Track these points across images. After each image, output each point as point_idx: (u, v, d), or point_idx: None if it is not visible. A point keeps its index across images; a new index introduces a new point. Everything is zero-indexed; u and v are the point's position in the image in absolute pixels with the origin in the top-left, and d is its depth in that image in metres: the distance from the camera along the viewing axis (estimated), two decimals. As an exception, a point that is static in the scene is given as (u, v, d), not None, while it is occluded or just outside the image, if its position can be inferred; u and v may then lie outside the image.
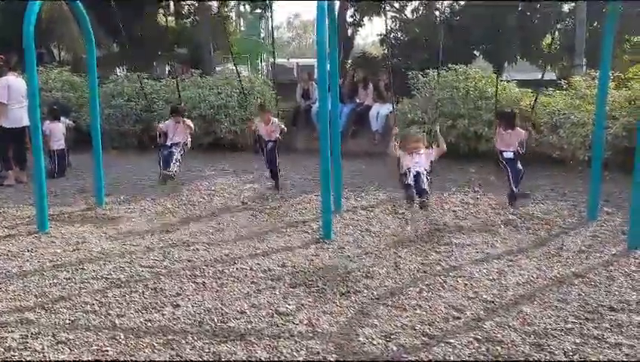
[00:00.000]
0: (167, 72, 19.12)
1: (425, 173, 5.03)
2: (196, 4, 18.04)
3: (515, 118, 5.80)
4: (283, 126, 6.90)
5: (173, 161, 6.21)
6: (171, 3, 18.90)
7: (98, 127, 6.63)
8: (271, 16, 6.64)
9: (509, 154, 5.64)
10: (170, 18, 19.04)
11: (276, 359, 3.15)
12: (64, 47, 16.87)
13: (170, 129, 6.51)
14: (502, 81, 9.37)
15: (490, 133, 8.53)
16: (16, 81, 7.55)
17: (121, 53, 17.16)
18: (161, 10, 17.58)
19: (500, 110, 6.51)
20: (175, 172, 6.25)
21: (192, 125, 6.63)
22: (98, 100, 6.73)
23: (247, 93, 10.16)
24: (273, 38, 6.66)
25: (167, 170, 6.17)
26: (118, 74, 13.46)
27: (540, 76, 6.79)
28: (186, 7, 19.69)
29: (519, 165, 5.66)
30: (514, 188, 5.67)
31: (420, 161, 5.06)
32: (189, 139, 6.56)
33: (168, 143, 6.40)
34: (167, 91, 10.67)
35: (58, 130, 8.53)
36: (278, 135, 6.87)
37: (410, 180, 4.90)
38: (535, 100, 6.58)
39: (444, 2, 15.31)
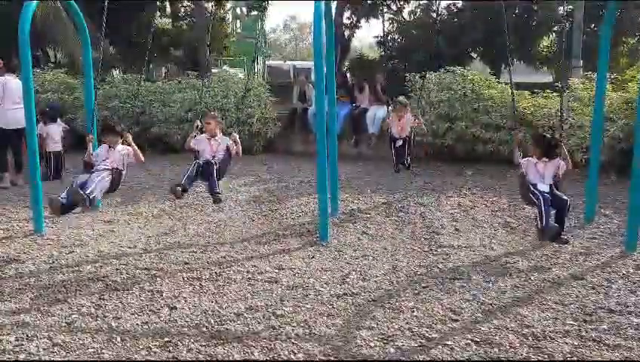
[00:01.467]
0: (163, 74, 19.12)
1: (407, 139, 6.09)
2: (192, 6, 18.04)
3: (557, 147, 4.73)
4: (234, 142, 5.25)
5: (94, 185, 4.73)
6: (167, 5, 18.90)
7: (95, 128, 6.60)
8: (262, 19, 6.58)
9: (544, 187, 4.60)
10: (166, 20, 19.05)
11: (273, 361, 3.13)
12: (60, 48, 16.84)
13: (102, 154, 5.04)
14: (499, 83, 9.39)
15: (488, 135, 8.58)
16: (12, 82, 7.52)
17: (117, 55, 17.17)
18: (157, 13, 17.57)
19: (536, 134, 5.36)
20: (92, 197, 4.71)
21: (138, 153, 5.11)
22: (94, 102, 6.70)
23: (244, 95, 10.16)
24: (265, 40, 6.62)
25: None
26: (114, 76, 13.42)
27: (536, 78, 6.75)
28: (183, 9, 19.71)
29: (563, 196, 4.63)
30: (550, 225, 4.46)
31: (403, 130, 6.06)
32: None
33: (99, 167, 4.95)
34: (162, 93, 10.65)
35: (54, 132, 8.49)
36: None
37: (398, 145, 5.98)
38: (561, 119, 5.55)
39: (441, 4, 15.35)
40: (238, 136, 5.27)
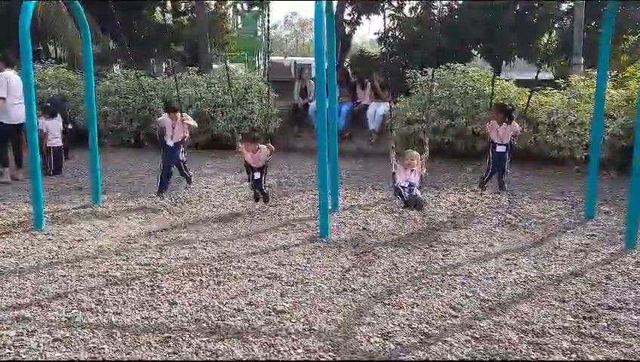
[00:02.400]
0: (164, 70, 19.09)
1: (417, 185, 5.47)
2: (193, 2, 18.00)
3: (511, 113, 6.00)
4: (269, 150, 5.93)
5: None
6: (168, 1, 18.87)
7: (95, 125, 6.61)
8: (267, 15, 6.58)
9: (501, 148, 5.97)
10: (167, 15, 19.01)
11: (273, 357, 3.14)
12: (60, 44, 16.82)
13: (168, 126, 6.52)
14: (500, 80, 9.38)
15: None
16: (14, 78, 7.51)
17: (117, 50, 17.13)
18: (158, 8, 17.54)
19: (497, 103, 6.54)
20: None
21: (192, 122, 6.66)
22: (94, 98, 6.70)
23: (245, 92, 10.17)
24: (269, 36, 6.57)
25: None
26: (115, 71, 13.42)
27: (540, 75, 6.74)
28: (183, 4, 19.67)
29: (506, 163, 6.05)
30: (485, 179, 6.30)
31: (412, 177, 5.46)
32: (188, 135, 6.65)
33: (170, 143, 6.53)
34: (163, 89, 10.65)
35: (54, 127, 8.49)
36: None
37: (406, 193, 5.34)
38: (529, 97, 6.55)
39: (442, 1, 15.31)
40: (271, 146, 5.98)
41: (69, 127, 9.30)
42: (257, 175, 6.04)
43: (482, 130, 6.29)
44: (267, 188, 6.30)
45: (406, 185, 5.37)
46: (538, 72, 6.54)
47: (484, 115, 7.86)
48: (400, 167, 5.49)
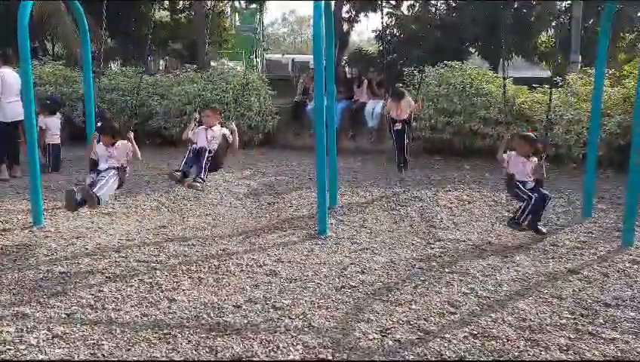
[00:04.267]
0: (164, 67, 19.06)
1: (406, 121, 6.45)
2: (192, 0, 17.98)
3: (537, 144, 5.08)
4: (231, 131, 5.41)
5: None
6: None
7: (93, 122, 6.60)
8: (260, 12, 6.58)
9: (530, 185, 4.97)
10: (164, 13, 18.98)
11: (272, 353, 3.15)
12: (58, 41, 16.79)
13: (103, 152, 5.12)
14: (497, 77, 9.40)
15: (487, 130, 8.60)
16: (11, 75, 7.49)
17: (115, 47, 17.11)
18: (156, 6, 17.48)
19: (522, 134, 5.32)
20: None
21: (136, 151, 5.17)
22: (93, 95, 6.69)
23: (243, 89, 10.15)
24: (263, 34, 6.59)
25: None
26: (113, 68, 13.40)
27: (536, 74, 6.78)
28: (181, 2, 19.63)
29: (542, 192, 4.97)
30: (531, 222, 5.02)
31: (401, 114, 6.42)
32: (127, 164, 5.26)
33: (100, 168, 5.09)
34: (162, 86, 10.64)
35: (53, 125, 8.48)
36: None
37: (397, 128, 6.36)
38: (547, 118, 5.79)
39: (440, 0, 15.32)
40: (235, 127, 5.40)
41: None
42: (197, 147, 5.15)
43: (498, 161, 5.17)
44: (202, 179, 5.21)
45: (397, 119, 6.49)
46: (552, 80, 5.83)
47: (484, 114, 7.95)
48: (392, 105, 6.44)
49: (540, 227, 5.08)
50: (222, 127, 5.49)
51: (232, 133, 5.38)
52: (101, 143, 5.14)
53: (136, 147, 5.19)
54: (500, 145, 5.19)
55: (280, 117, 10.49)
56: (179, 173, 5.15)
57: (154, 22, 17.33)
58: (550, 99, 5.22)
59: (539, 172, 4.91)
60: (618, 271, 4.35)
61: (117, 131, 5.21)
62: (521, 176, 4.97)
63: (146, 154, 9.32)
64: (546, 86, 8.83)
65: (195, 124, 5.43)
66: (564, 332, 3.38)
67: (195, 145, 5.29)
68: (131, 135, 5.19)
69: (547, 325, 3.46)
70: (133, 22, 16.80)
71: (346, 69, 12.73)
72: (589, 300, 3.82)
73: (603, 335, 3.34)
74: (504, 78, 5.91)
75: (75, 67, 11.45)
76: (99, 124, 5.77)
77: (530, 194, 4.89)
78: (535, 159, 4.98)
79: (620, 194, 6.43)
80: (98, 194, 4.77)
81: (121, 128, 5.31)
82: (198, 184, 5.20)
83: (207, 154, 5.21)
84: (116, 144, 5.14)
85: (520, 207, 4.99)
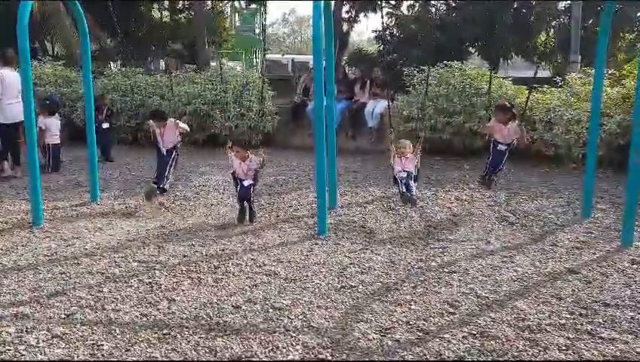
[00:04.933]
0: (165, 67, 19.05)
1: (412, 174, 5.71)
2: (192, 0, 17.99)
3: (512, 111, 5.96)
4: (262, 159, 5.77)
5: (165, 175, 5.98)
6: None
7: (93, 122, 6.61)
8: (264, 12, 6.63)
9: (502, 147, 5.93)
10: (164, 13, 18.98)
11: (271, 354, 3.15)
12: (57, 41, 16.80)
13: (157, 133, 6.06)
14: (497, 77, 9.40)
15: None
16: (11, 75, 7.48)
17: (115, 47, 17.10)
18: (155, 6, 17.52)
19: (498, 105, 6.37)
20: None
21: (185, 126, 6.15)
22: (93, 95, 6.70)
23: (242, 89, 10.16)
24: (265, 33, 6.59)
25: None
26: (113, 68, 13.40)
27: (540, 73, 6.85)
28: (181, 2, 19.64)
29: (504, 160, 6.03)
30: (489, 174, 6.15)
31: (406, 165, 5.72)
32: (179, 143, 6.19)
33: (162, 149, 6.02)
34: (161, 86, 10.64)
35: (53, 125, 8.49)
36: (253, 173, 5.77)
37: (402, 187, 5.59)
38: (528, 98, 6.66)
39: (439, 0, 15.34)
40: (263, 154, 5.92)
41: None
42: (246, 183, 5.66)
43: (482, 131, 6.29)
44: (254, 204, 5.84)
45: (404, 175, 5.61)
46: (536, 72, 6.77)
47: (484, 115, 7.96)
48: (395, 157, 5.77)
49: (493, 178, 6.18)
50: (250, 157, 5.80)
51: (261, 164, 5.82)
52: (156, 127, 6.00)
53: (180, 123, 6.09)
54: (484, 121, 6.31)
55: (280, 117, 10.49)
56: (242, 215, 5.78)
57: (153, 22, 17.40)
58: (527, 96, 6.53)
59: (518, 132, 5.80)
60: (617, 271, 4.36)
61: (163, 114, 6.17)
62: (500, 137, 5.93)
63: (145, 154, 9.36)
64: (546, 86, 8.84)
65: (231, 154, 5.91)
66: (564, 332, 3.39)
67: (242, 182, 5.78)
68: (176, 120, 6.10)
69: (546, 325, 3.46)
70: (133, 22, 16.81)
71: (347, 69, 12.67)
72: (589, 300, 3.83)
73: (602, 335, 3.34)
74: (493, 77, 6.40)
75: (75, 67, 11.45)
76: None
77: (492, 153, 6.01)
78: (514, 124, 5.81)
79: (619, 194, 6.43)
80: (167, 184, 6.03)
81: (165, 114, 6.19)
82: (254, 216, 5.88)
83: (252, 187, 5.78)
84: (167, 125, 6.00)
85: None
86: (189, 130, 6.31)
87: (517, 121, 5.85)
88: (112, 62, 16.79)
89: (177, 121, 6.12)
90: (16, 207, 6.21)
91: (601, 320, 3.52)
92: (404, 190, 5.53)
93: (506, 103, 6.21)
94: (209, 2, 18.65)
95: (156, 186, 5.95)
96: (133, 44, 16.83)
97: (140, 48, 17.00)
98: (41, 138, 7.95)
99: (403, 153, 5.75)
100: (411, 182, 5.62)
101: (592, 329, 3.41)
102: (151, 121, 6.14)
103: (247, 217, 5.75)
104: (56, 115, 8.70)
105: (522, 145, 6.10)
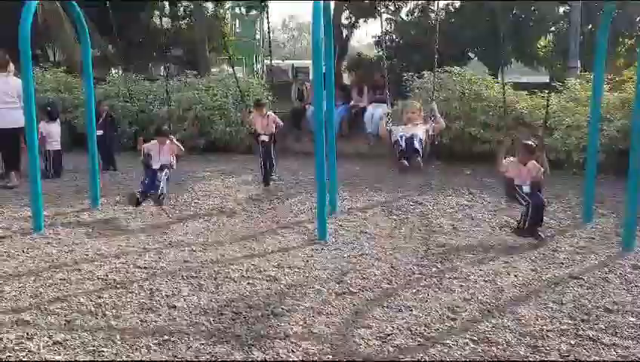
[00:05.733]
0: (165, 73, 19.08)
1: (419, 138, 4.79)
2: (192, 6, 18.02)
3: (536, 151, 5.12)
4: (279, 121, 7.12)
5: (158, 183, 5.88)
6: (166, 4, 18.87)
7: (94, 128, 6.62)
8: (267, 18, 6.66)
9: (527, 188, 5.05)
10: (165, 19, 19.03)
11: (272, 360, 3.15)
12: (59, 48, 16.83)
13: (155, 150, 6.10)
14: (497, 82, 9.42)
15: (486, 135, 8.61)
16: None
17: (116, 54, 17.12)
18: (156, 12, 17.55)
19: (524, 143, 5.25)
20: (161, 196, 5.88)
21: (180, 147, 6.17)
22: (94, 101, 6.72)
23: (244, 95, 10.17)
24: (270, 40, 6.67)
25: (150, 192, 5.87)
26: (114, 75, 13.43)
27: (536, 78, 6.79)
28: (182, 8, 19.68)
29: (540, 196, 5.06)
30: (530, 223, 5.03)
31: (415, 132, 4.84)
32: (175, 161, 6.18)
33: (154, 166, 6.01)
34: (163, 93, 10.64)
35: (54, 131, 8.50)
36: (274, 130, 7.07)
37: (402, 143, 4.68)
38: (547, 110, 6.29)
39: (439, 4, 15.36)
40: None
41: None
42: (266, 138, 6.81)
43: (497, 170, 5.23)
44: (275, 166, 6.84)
45: (404, 138, 4.77)
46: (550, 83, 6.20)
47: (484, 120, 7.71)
48: (398, 125, 4.93)
49: (539, 233, 5.14)
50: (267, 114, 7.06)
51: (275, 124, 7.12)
52: (155, 143, 6.06)
53: (179, 144, 6.16)
54: (499, 153, 5.33)
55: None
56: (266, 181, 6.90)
57: (154, 28, 17.43)
58: (546, 107, 5.51)
59: (542, 169, 5.05)
60: (619, 276, 4.35)
61: (166, 133, 6.16)
62: (519, 180, 5.11)
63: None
64: (545, 91, 8.85)
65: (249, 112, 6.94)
66: (565, 337, 3.38)
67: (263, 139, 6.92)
68: (174, 138, 6.19)
69: (548, 331, 3.46)
70: (134, 28, 16.83)
71: (346, 74, 12.64)
72: (590, 305, 3.82)
73: (604, 341, 3.33)
74: (503, 85, 5.91)
75: (77, 74, 11.47)
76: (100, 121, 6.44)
77: (527, 198, 5.00)
78: (533, 162, 5.09)
79: (620, 198, 6.43)
80: (162, 196, 5.86)
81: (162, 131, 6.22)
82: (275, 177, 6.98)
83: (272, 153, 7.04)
84: (165, 144, 6.05)
85: (521, 213, 5.11)
86: (182, 151, 6.23)
87: (536, 161, 5.05)
88: (112, 69, 16.81)
89: (175, 141, 6.17)
90: (18, 213, 6.21)
91: (602, 326, 3.52)
92: (405, 147, 4.62)
93: (531, 143, 5.18)
94: (210, 8, 18.70)
95: (140, 192, 5.83)
96: (134, 50, 16.87)
97: (140, 54, 17.03)
98: (42, 144, 7.95)
99: (411, 120, 4.89)
100: (415, 142, 4.71)
101: (593, 335, 3.40)
102: (142, 140, 6.27)
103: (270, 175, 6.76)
104: (57, 121, 8.70)
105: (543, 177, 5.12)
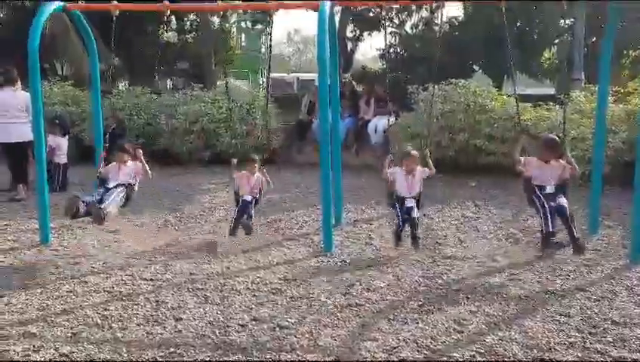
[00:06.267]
0: (172, 86, 19.24)
1: (415, 204, 5.03)
2: (198, 20, 18.21)
3: (560, 148, 4.74)
4: (267, 181, 5.55)
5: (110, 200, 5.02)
6: (173, 18, 19.08)
7: (101, 141, 6.67)
8: (270, 34, 6.73)
9: (550, 189, 4.62)
10: (172, 33, 19.24)
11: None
12: (67, 62, 17.00)
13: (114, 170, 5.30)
14: (501, 95, 9.44)
15: (491, 147, 8.61)
16: (2, 95, 7.49)
17: (123, 67, 17.31)
18: (163, 26, 17.76)
19: (546, 137, 5.05)
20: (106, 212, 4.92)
21: (146, 169, 5.34)
22: (101, 114, 6.77)
23: (249, 108, 10.24)
24: (270, 52, 6.64)
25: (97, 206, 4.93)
26: (120, 88, 13.55)
27: (540, 90, 6.77)
28: (188, 22, 19.90)
29: (564, 200, 4.53)
30: (552, 233, 4.57)
31: (413, 186, 5.05)
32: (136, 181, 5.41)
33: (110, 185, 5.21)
34: (169, 106, 10.72)
35: (62, 144, 8.56)
36: (258, 193, 5.57)
37: (403, 213, 5.00)
38: (564, 119, 5.67)
39: (443, 17, 15.48)
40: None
41: None
42: (248, 198, 5.39)
43: (517, 167, 4.79)
44: (252, 221, 5.46)
45: (408, 197, 4.95)
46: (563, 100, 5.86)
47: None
48: (400, 172, 5.01)
49: (577, 239, 4.54)
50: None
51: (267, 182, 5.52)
52: (113, 164, 5.32)
53: (146, 165, 5.35)
54: (515, 145, 4.97)
55: (285, 134, 10.55)
56: (233, 230, 5.39)
57: (162, 42, 17.62)
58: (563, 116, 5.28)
59: (570, 167, 4.63)
60: (626, 289, 4.33)
61: (126, 150, 5.37)
62: (540, 179, 4.65)
63: (153, 172, 9.40)
64: (550, 103, 8.86)
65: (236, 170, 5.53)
66: (572, 350, 3.36)
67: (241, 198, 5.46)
68: (140, 153, 5.36)
69: (555, 343, 3.44)
70: (141, 42, 17.02)
71: (354, 84, 12.55)
72: (597, 318, 3.80)
73: (612, 354, 3.31)
74: (516, 98, 5.71)
75: (85, 87, 11.56)
76: (106, 145, 6.00)
77: (544, 203, 4.51)
78: (560, 161, 4.65)
79: (626, 210, 6.40)
80: (106, 210, 4.90)
81: (130, 147, 5.49)
82: (250, 223, 5.45)
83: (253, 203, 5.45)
84: (127, 163, 5.33)
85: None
86: (149, 175, 5.44)
87: (564, 162, 4.66)
88: (119, 82, 16.99)
89: (143, 161, 5.37)
90: (25, 226, 6.24)
91: (610, 339, 3.49)
92: (404, 221, 4.85)
93: (556, 138, 4.89)
94: (216, 23, 18.90)
95: (78, 199, 4.97)
96: (141, 63, 17.04)
97: (147, 68, 17.19)
98: (51, 156, 8.00)
99: (410, 168, 4.94)
100: (414, 211, 4.89)
101: (601, 348, 3.38)
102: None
103: (245, 231, 5.37)
104: (66, 136, 8.76)
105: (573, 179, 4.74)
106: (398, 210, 5.05)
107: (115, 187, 5.18)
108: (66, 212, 4.99)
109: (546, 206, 4.52)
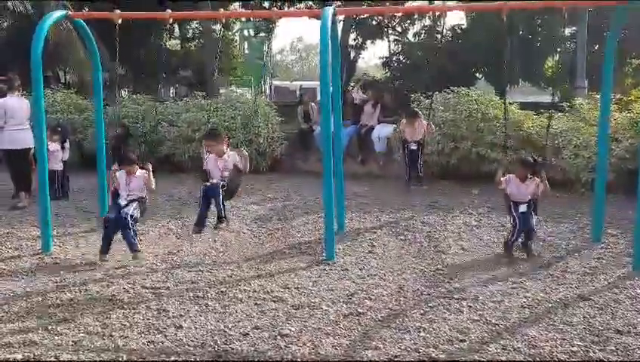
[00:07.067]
0: (174, 94, 19.31)
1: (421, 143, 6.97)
2: (201, 28, 18.31)
3: (536, 167, 5.36)
4: (242, 164, 5.28)
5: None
6: (176, 26, 19.18)
7: (103, 149, 6.69)
8: (269, 42, 6.74)
9: (523, 207, 5.26)
10: (174, 41, 19.33)
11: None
12: (70, 70, 17.09)
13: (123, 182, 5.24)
14: (503, 103, 9.43)
15: (494, 155, 8.60)
16: (11, 102, 7.54)
17: (126, 75, 17.39)
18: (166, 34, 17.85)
19: (521, 158, 5.66)
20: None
21: (151, 181, 5.23)
22: (103, 122, 6.79)
23: (251, 116, 10.25)
24: (270, 59, 6.69)
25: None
26: (123, 95, 13.58)
27: (542, 98, 6.79)
28: (191, 30, 20.01)
29: (532, 220, 5.32)
30: (518, 240, 5.34)
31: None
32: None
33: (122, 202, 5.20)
34: (172, 113, 10.75)
35: (57, 152, 8.56)
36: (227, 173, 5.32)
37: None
38: (546, 143, 6.62)
39: (446, 25, 15.50)
40: (246, 153, 5.53)
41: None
42: (216, 180, 5.04)
43: (496, 183, 5.38)
44: (225, 212, 5.23)
45: (410, 140, 6.87)
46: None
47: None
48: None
49: (531, 247, 5.37)
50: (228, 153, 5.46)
51: (243, 159, 5.40)
52: (122, 173, 5.29)
53: (152, 178, 5.30)
54: (498, 168, 5.55)
55: (287, 142, 10.56)
56: (199, 228, 5.44)
57: (165, 50, 17.70)
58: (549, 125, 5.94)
59: (541, 186, 5.24)
60: (629, 297, 4.30)
61: (134, 161, 5.33)
62: (517, 197, 5.30)
63: (155, 181, 9.41)
64: (553, 111, 8.84)
65: (207, 153, 5.47)
66: (575, 359, 3.33)
67: (206, 184, 5.30)
68: (149, 167, 5.35)
69: (558, 352, 3.41)
70: (144, 50, 17.10)
71: (357, 89, 12.48)
72: (600, 327, 3.77)
73: (615, 363, 3.28)
74: (509, 103, 5.91)
75: (88, 95, 11.59)
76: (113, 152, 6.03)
77: (518, 220, 5.23)
78: (537, 180, 5.27)
79: (630, 218, 6.37)
80: (133, 242, 5.16)
81: (139, 158, 5.48)
82: (221, 226, 5.46)
83: (220, 190, 5.23)
84: (136, 174, 5.28)
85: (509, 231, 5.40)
86: (153, 188, 5.34)
87: (538, 180, 5.26)
88: (122, 90, 17.03)
89: (148, 172, 5.27)
90: (27, 234, 6.24)
91: (613, 348, 3.47)
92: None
93: (530, 158, 5.50)
94: (219, 31, 18.97)
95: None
96: (143, 71, 17.12)
97: (150, 76, 17.25)
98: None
99: (413, 120, 6.50)
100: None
101: (604, 357, 3.35)
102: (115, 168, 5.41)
103: (217, 222, 5.26)
104: (67, 142, 8.78)
105: (543, 196, 5.44)
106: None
107: (128, 206, 5.18)
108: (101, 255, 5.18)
109: (517, 221, 5.24)
